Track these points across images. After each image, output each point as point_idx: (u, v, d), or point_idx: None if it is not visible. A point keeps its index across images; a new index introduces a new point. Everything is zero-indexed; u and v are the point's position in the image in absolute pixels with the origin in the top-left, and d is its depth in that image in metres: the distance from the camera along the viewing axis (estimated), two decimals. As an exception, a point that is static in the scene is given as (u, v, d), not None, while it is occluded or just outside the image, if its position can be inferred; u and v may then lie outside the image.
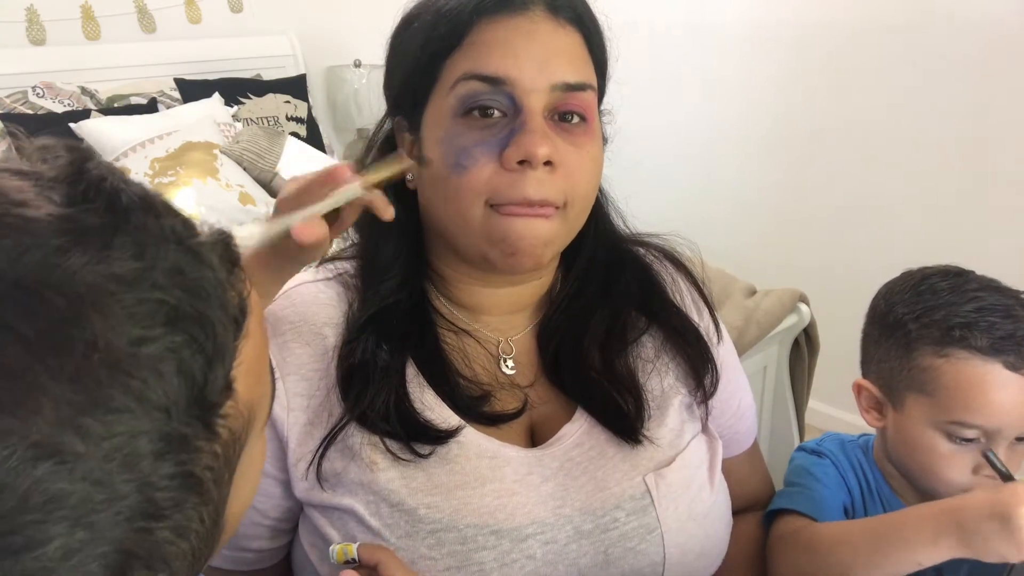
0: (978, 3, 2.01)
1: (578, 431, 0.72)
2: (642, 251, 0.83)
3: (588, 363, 0.74)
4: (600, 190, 0.75)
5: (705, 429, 0.78)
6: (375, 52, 0.84)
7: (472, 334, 0.75)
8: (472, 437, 0.69)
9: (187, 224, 0.37)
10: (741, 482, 0.85)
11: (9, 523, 0.29)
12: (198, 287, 0.35)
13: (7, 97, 2.29)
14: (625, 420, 0.72)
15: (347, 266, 0.77)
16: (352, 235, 0.78)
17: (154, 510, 0.32)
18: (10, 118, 2.24)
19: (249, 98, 2.68)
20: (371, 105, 2.93)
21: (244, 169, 2.38)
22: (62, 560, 0.30)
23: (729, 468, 0.80)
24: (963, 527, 0.64)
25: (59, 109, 2.34)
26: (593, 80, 0.69)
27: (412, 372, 0.71)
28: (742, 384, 0.86)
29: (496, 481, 0.67)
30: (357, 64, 2.95)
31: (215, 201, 2.20)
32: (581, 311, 0.77)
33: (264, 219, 0.62)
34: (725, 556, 0.76)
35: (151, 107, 2.49)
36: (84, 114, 2.34)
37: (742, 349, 1.45)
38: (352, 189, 0.62)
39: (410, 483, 0.66)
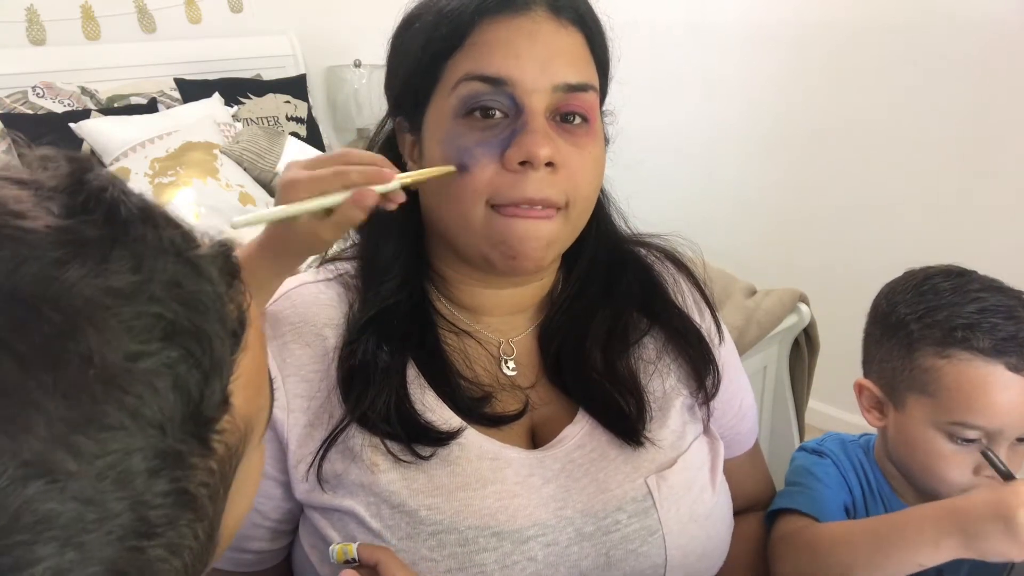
0: (978, 3, 2.01)
1: (579, 433, 0.72)
2: (643, 252, 0.83)
3: (590, 364, 0.74)
4: (602, 191, 0.75)
5: (707, 430, 0.78)
6: (375, 52, 0.84)
7: (473, 335, 0.75)
8: (473, 438, 0.69)
9: (187, 236, 0.36)
10: (742, 483, 0.85)
11: None
12: (196, 301, 0.34)
13: (7, 97, 2.29)
14: (627, 422, 0.72)
15: (347, 267, 0.77)
16: (352, 235, 0.78)
17: (147, 528, 0.32)
18: (10, 118, 2.24)
19: (249, 98, 2.68)
20: (371, 105, 2.93)
21: (244, 169, 2.38)
22: None
23: (730, 469, 0.80)
24: (965, 528, 0.64)
25: (59, 109, 2.34)
26: (595, 80, 0.69)
27: (413, 373, 0.71)
28: (743, 385, 0.86)
29: (497, 483, 0.67)
30: (357, 64, 2.95)
31: (215, 201, 2.20)
32: (582, 312, 0.77)
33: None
34: (726, 557, 0.76)
35: (151, 107, 2.49)
36: (84, 114, 2.34)
37: (742, 349, 1.44)
38: (389, 185, 0.63)
39: (411, 484, 0.66)
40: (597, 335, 0.76)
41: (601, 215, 0.78)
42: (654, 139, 2.67)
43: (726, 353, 0.83)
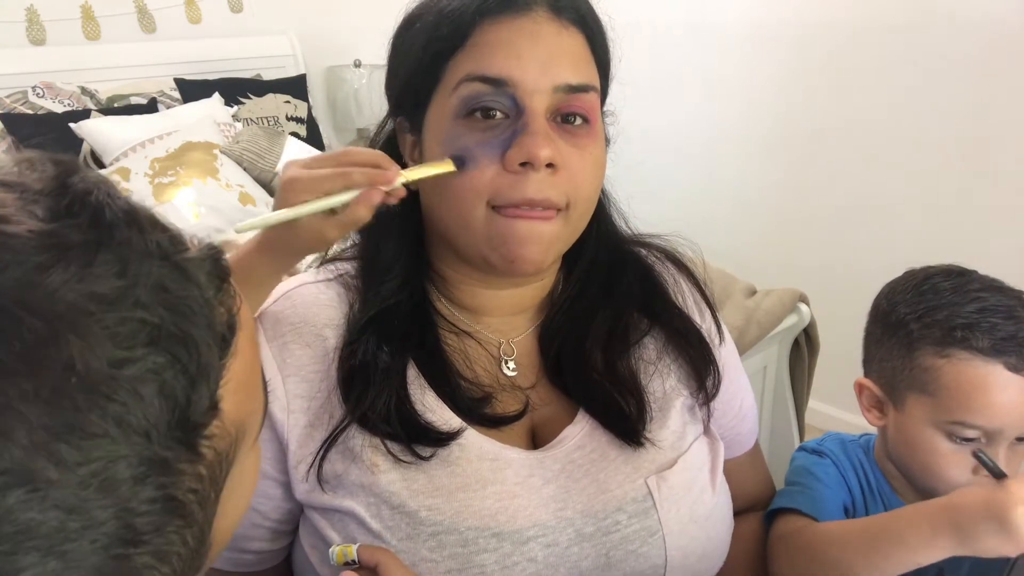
0: (978, 3, 2.01)
1: (580, 433, 0.72)
2: (644, 252, 0.83)
3: (590, 365, 0.74)
4: (602, 191, 0.75)
5: (707, 431, 0.78)
6: (375, 52, 0.84)
7: (473, 335, 0.75)
8: (473, 439, 0.69)
9: (174, 239, 0.36)
10: (742, 483, 0.85)
11: None
12: (183, 305, 0.34)
13: (7, 97, 2.29)
14: (627, 422, 0.72)
15: (348, 267, 0.77)
16: (353, 235, 0.78)
17: (133, 536, 0.31)
18: (10, 118, 2.24)
19: (249, 98, 2.68)
20: (371, 105, 2.94)
21: (244, 169, 2.38)
22: None
23: (730, 469, 0.80)
24: (959, 527, 0.64)
25: (59, 109, 2.34)
26: (596, 81, 0.69)
27: (413, 374, 0.71)
28: (744, 385, 0.86)
29: (497, 483, 0.67)
30: (357, 64, 2.95)
31: (215, 201, 2.20)
32: (583, 313, 0.77)
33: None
34: (726, 557, 0.76)
35: (151, 107, 2.49)
36: (84, 114, 2.34)
37: (742, 349, 1.45)
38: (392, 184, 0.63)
39: (411, 485, 0.66)
40: (597, 335, 0.76)
41: (602, 215, 0.78)
42: (654, 139, 2.67)
43: (726, 353, 0.83)
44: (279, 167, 2.39)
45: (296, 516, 0.72)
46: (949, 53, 2.09)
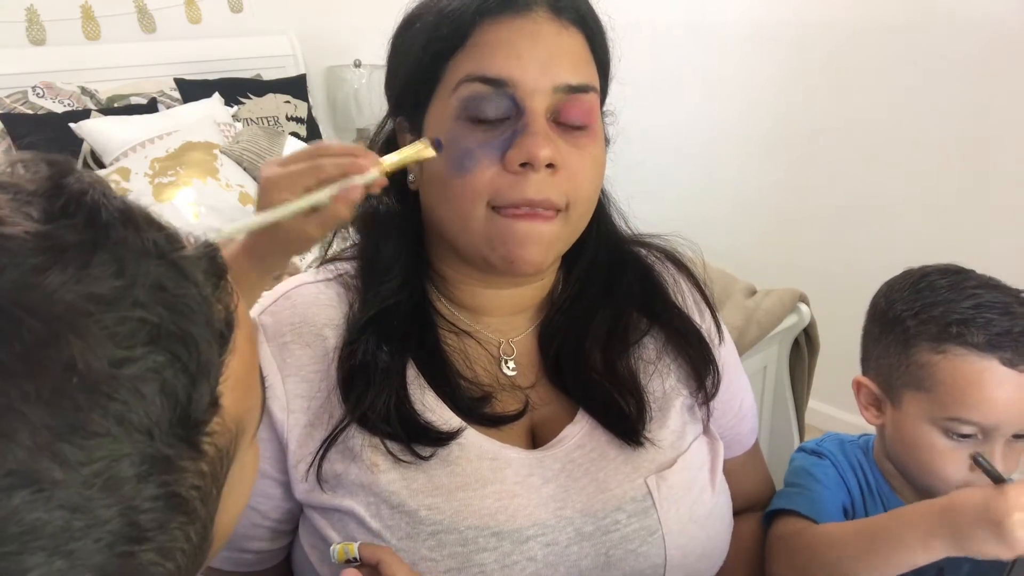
0: (978, 3, 2.01)
1: (579, 433, 0.72)
2: (644, 252, 0.83)
3: (590, 364, 0.74)
4: (602, 191, 0.75)
5: (706, 431, 0.78)
6: (375, 52, 0.84)
7: (473, 335, 0.75)
8: (473, 439, 0.69)
9: (171, 238, 0.36)
10: (742, 482, 0.85)
11: None
12: (181, 303, 0.34)
13: (7, 97, 2.29)
14: (626, 422, 0.72)
15: (347, 267, 0.77)
16: (352, 235, 0.78)
17: (137, 533, 0.32)
18: (10, 118, 2.24)
19: (249, 98, 2.68)
20: (371, 105, 2.94)
21: (244, 169, 2.38)
22: None
23: (730, 469, 0.80)
24: (955, 529, 0.64)
25: (59, 109, 2.34)
26: (596, 81, 0.69)
27: (413, 373, 0.71)
28: (743, 385, 0.86)
29: (497, 483, 0.67)
30: (357, 64, 2.95)
31: (215, 201, 2.20)
32: (583, 312, 0.77)
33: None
34: (726, 556, 0.76)
35: (151, 107, 2.49)
36: (84, 114, 2.34)
37: (742, 349, 1.45)
38: (367, 176, 0.63)
39: (411, 485, 0.66)
40: (597, 335, 0.76)
41: (601, 215, 0.78)
42: (654, 139, 2.67)
43: (726, 353, 0.83)
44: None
45: (296, 516, 0.72)
46: (949, 53, 2.09)
